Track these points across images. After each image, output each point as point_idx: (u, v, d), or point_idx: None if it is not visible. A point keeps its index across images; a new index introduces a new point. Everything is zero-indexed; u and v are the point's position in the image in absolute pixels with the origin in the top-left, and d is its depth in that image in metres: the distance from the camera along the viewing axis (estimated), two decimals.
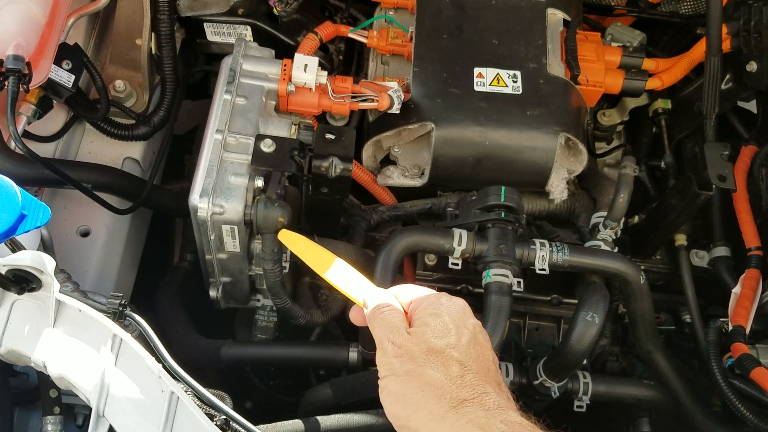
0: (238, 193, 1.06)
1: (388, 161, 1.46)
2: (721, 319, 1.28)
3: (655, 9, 1.83)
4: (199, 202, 1.04)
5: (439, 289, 1.36)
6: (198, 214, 1.05)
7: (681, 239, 1.47)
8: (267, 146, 1.08)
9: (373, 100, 1.27)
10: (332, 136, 1.14)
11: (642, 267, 1.51)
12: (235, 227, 1.07)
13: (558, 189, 1.42)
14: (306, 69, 1.22)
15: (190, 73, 1.39)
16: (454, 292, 1.37)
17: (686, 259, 1.45)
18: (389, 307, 0.80)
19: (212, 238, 1.08)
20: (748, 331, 1.24)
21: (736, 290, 1.30)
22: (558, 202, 1.45)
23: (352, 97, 1.28)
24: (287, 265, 1.22)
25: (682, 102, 1.66)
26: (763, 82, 1.47)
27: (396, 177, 1.44)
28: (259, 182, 1.07)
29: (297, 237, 1.01)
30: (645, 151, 1.70)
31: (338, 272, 0.88)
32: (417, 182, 1.43)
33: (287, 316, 1.22)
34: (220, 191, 1.06)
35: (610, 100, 1.71)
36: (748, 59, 1.50)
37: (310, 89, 1.24)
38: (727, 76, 1.59)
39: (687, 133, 1.66)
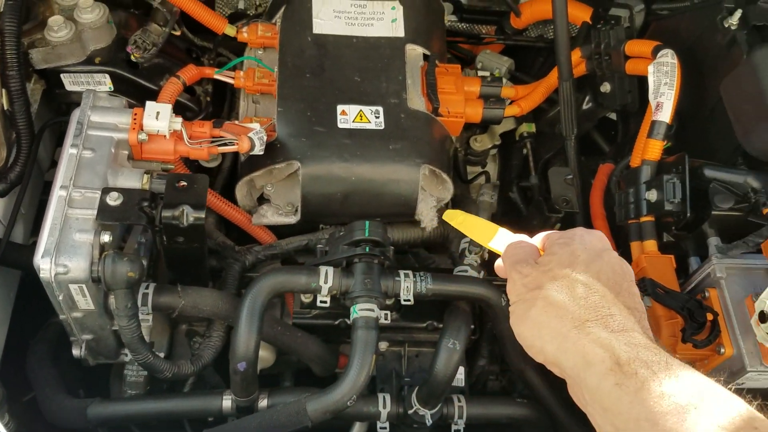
0: (83, 250, 1.04)
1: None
2: None
3: (521, 35, 1.92)
4: (42, 262, 1.02)
5: (317, 326, 1.40)
6: (41, 275, 1.02)
7: None
8: (113, 199, 1.06)
9: (233, 144, 1.27)
10: (184, 184, 1.14)
11: None
12: (83, 285, 1.04)
13: (428, 217, 1.46)
14: (158, 116, 1.21)
15: (42, 128, 1.36)
16: (332, 327, 1.39)
17: None
18: (520, 243, 0.84)
19: (60, 298, 1.05)
20: None
21: None
22: (430, 230, 1.48)
23: (212, 142, 1.28)
24: (149, 317, 1.20)
25: (546, 125, 1.75)
26: (617, 102, 1.57)
27: (270, 215, 1.45)
28: (106, 237, 1.05)
29: (455, 213, 1.04)
30: (516, 173, 1.77)
31: (496, 237, 0.92)
32: (291, 219, 1.44)
33: (151, 371, 1.20)
34: (64, 250, 1.03)
35: (481, 126, 1.78)
36: (602, 81, 1.60)
37: (165, 136, 1.23)
38: (587, 97, 1.69)
39: (552, 153, 1.74)
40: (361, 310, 1.20)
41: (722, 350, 1.14)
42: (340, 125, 1.39)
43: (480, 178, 1.68)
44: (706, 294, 1.20)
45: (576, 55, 1.61)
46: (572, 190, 1.34)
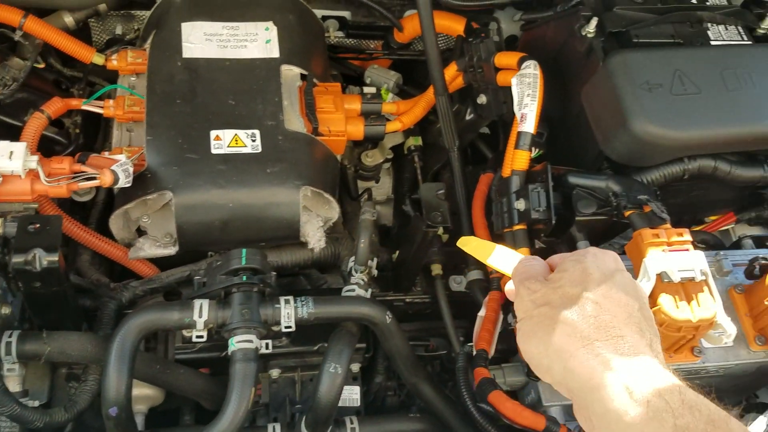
0: None
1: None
2: (469, 344, 1.35)
3: (407, 49, 1.94)
4: None
5: (204, 360, 1.36)
6: None
7: (436, 269, 1.54)
8: None
9: (95, 178, 1.22)
10: (37, 226, 1.08)
11: (407, 299, 1.59)
12: None
13: (315, 238, 1.45)
14: (11, 156, 1.15)
15: None
16: (220, 360, 1.35)
17: (441, 287, 1.52)
18: (530, 260, 0.81)
19: None
20: (492, 352, 1.31)
21: (482, 313, 1.37)
22: (318, 250, 1.47)
23: (73, 177, 1.22)
24: (16, 366, 1.13)
25: (433, 137, 1.76)
26: (493, 112, 1.59)
27: (148, 248, 1.40)
28: None
29: (468, 239, 1.03)
30: (408, 186, 1.78)
31: (497, 256, 0.92)
32: (170, 251, 1.40)
33: (20, 422, 1.13)
34: None
35: (372, 141, 1.78)
36: (479, 93, 1.62)
37: (20, 176, 1.17)
38: (469, 109, 1.71)
39: (440, 165, 1.76)
40: (239, 342, 1.17)
41: None
42: (214, 151, 1.36)
43: (364, 194, 1.67)
44: None
45: (453, 68, 1.63)
46: (444, 205, 1.35)
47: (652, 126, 1.20)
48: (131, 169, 1.27)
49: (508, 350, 1.37)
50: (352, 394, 1.41)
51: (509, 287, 0.87)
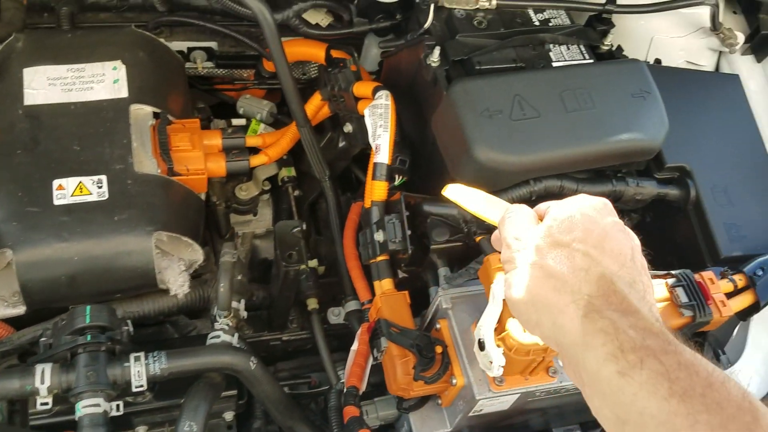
0: None
1: None
2: (341, 381, 1.33)
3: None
4: None
5: (61, 424, 1.28)
6: None
7: (312, 303, 1.52)
8: None
9: None
10: None
11: (284, 338, 1.56)
12: None
13: (176, 284, 1.39)
14: None
15: None
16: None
17: (317, 322, 1.50)
18: (519, 208, 0.77)
19: None
20: (363, 387, 1.29)
21: (354, 347, 1.35)
22: (182, 296, 1.41)
23: None
24: None
25: (306, 166, 1.74)
26: (360, 141, 1.58)
27: None
28: None
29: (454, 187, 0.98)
30: (286, 217, 1.75)
31: (482, 204, 0.89)
32: (19, 310, 1.32)
33: None
34: None
35: (246, 174, 1.74)
36: (344, 121, 1.61)
37: None
38: (341, 136, 1.70)
39: (316, 194, 1.74)
40: (85, 407, 1.11)
41: (454, 381, 1.17)
42: (57, 202, 1.29)
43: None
44: (438, 326, 1.23)
45: (318, 98, 1.62)
46: (301, 242, 1.32)
47: (494, 153, 1.21)
48: None
49: (381, 383, 1.36)
50: None
51: (495, 236, 0.83)
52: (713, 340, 1.38)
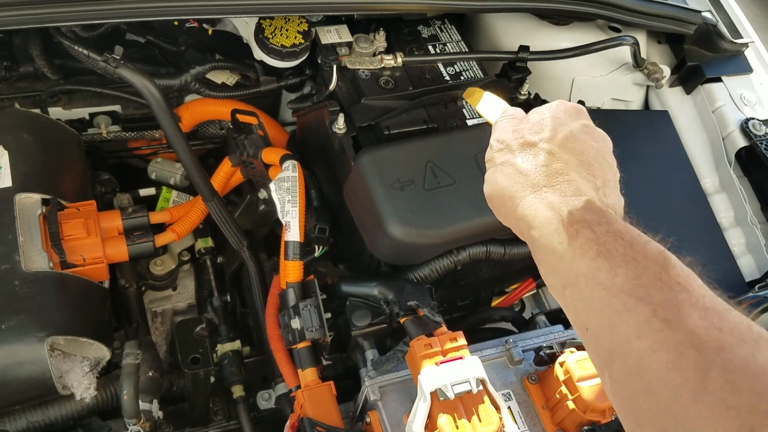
0: None
1: None
2: None
3: (193, 137, 1.80)
4: None
5: None
6: None
7: (237, 390, 1.40)
8: None
9: None
10: None
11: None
12: None
13: (82, 387, 1.26)
14: None
15: None
16: None
17: (244, 410, 1.38)
18: (510, 113, 0.83)
19: None
20: None
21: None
22: (89, 400, 1.28)
23: None
24: None
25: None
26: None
27: None
28: None
29: (472, 90, 0.98)
30: (209, 289, 1.63)
31: (485, 104, 0.93)
32: None
33: None
34: None
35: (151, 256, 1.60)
36: (259, 187, 1.51)
37: None
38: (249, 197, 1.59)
39: (237, 264, 1.63)
40: None
41: None
42: None
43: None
44: (368, 419, 1.13)
45: (228, 164, 1.51)
46: (205, 342, 1.21)
47: (409, 228, 1.11)
48: None
49: None
50: None
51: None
52: None
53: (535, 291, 1.51)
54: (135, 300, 1.54)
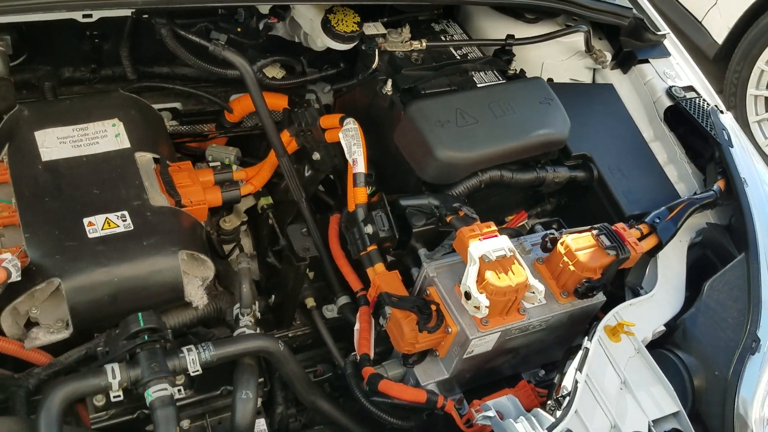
0: None
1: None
2: (353, 353, 1.60)
3: (239, 126, 2.20)
4: None
5: (117, 426, 1.46)
6: None
7: (310, 302, 1.78)
8: None
9: None
10: None
11: (289, 334, 1.81)
12: None
13: (197, 296, 1.62)
14: None
15: None
16: (134, 421, 1.46)
17: (318, 316, 1.76)
18: None
19: None
20: (372, 355, 1.57)
21: (357, 326, 1.63)
22: (202, 308, 1.64)
23: None
24: None
25: (281, 195, 2.03)
26: (328, 166, 1.90)
27: (43, 336, 1.48)
28: None
29: None
30: (267, 241, 2.01)
31: None
32: (65, 334, 1.50)
33: None
34: None
35: (227, 208, 2.00)
36: (312, 151, 1.93)
37: None
38: (307, 166, 2.01)
39: (292, 217, 2.03)
40: (155, 392, 1.32)
41: (449, 330, 1.48)
42: (91, 235, 1.51)
43: (235, 251, 1.88)
44: (428, 292, 1.54)
45: (286, 135, 1.93)
46: (309, 239, 1.61)
47: (450, 151, 1.58)
48: (19, 264, 1.38)
49: (385, 351, 1.64)
50: (260, 426, 1.58)
51: None
52: (632, 284, 1.78)
53: (526, 221, 1.97)
54: (218, 243, 1.91)
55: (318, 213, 2.05)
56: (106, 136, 1.71)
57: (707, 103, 2.00)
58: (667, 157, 1.98)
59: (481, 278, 1.45)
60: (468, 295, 1.44)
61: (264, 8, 1.82)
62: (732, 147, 1.84)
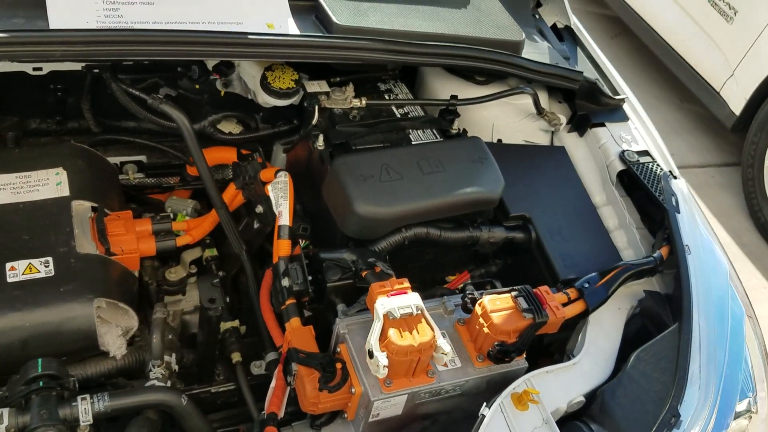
0: None
1: None
2: (262, 412, 1.56)
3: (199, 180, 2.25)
4: None
5: None
6: None
7: (236, 356, 1.76)
8: None
9: None
10: None
11: (212, 390, 1.78)
12: None
13: (115, 346, 1.62)
14: None
15: None
16: None
17: (240, 371, 1.74)
18: None
19: None
20: (281, 414, 1.53)
21: (272, 384, 1.60)
22: (119, 358, 1.64)
23: None
24: None
25: (227, 248, 2.04)
26: (270, 220, 1.90)
27: None
28: None
29: None
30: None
31: None
32: None
33: None
34: None
35: (174, 259, 2.01)
36: (256, 204, 1.94)
37: None
38: (255, 219, 2.02)
39: (236, 270, 2.03)
40: None
41: (353, 390, 1.44)
42: (10, 279, 1.54)
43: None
44: (338, 349, 1.51)
45: (232, 188, 1.96)
46: (218, 290, 1.61)
47: (369, 206, 1.57)
48: None
49: (296, 412, 1.59)
50: None
51: None
52: (570, 351, 1.71)
53: (469, 281, 1.92)
54: (155, 295, 1.92)
55: (265, 265, 2.05)
56: (48, 184, 1.76)
57: (660, 168, 1.95)
58: (618, 222, 1.93)
59: (384, 336, 1.41)
60: (371, 354, 1.40)
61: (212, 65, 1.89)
62: (679, 213, 1.77)
